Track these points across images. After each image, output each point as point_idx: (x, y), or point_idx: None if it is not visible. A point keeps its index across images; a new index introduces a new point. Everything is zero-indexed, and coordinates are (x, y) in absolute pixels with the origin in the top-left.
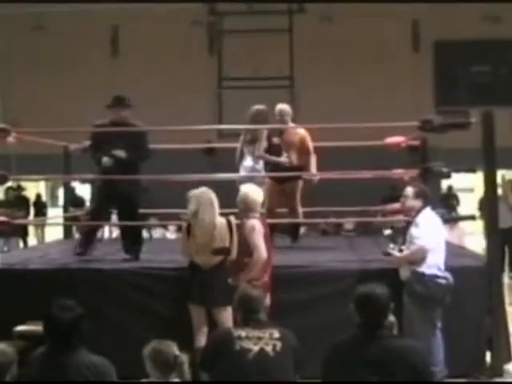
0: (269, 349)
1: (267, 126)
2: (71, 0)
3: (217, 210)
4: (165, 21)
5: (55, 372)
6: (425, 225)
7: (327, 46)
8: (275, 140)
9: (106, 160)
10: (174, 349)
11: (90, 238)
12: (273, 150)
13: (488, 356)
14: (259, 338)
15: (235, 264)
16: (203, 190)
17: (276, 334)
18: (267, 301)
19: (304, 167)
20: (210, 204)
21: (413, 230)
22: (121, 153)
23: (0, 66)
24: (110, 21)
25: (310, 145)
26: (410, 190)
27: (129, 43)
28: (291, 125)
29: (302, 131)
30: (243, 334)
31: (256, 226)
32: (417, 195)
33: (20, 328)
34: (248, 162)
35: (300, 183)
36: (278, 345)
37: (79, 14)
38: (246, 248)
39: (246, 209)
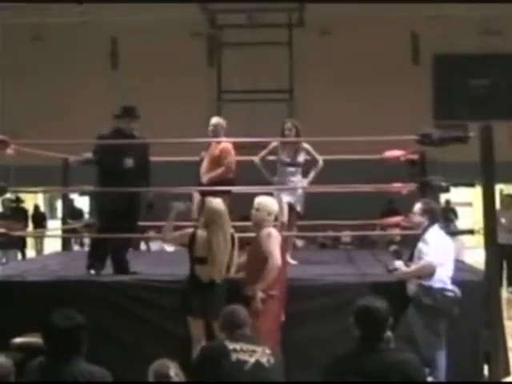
0: (264, 361)
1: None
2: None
3: (229, 222)
4: (164, 32)
5: (52, 381)
6: (434, 242)
7: (326, 60)
8: (202, 153)
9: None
10: (168, 370)
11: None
12: (199, 163)
13: (486, 370)
14: (253, 351)
15: (249, 277)
16: (219, 200)
17: (267, 350)
18: (281, 317)
19: (226, 182)
20: (226, 216)
21: (421, 246)
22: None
23: None
24: (110, 32)
25: (230, 159)
26: (417, 207)
27: (128, 55)
28: (223, 138)
29: (226, 145)
30: (238, 347)
31: (272, 233)
32: (423, 212)
33: (17, 340)
34: (298, 176)
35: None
36: (272, 359)
37: (78, 26)
38: (260, 260)
39: (261, 219)
